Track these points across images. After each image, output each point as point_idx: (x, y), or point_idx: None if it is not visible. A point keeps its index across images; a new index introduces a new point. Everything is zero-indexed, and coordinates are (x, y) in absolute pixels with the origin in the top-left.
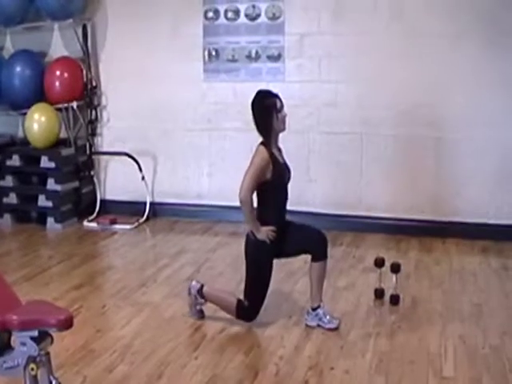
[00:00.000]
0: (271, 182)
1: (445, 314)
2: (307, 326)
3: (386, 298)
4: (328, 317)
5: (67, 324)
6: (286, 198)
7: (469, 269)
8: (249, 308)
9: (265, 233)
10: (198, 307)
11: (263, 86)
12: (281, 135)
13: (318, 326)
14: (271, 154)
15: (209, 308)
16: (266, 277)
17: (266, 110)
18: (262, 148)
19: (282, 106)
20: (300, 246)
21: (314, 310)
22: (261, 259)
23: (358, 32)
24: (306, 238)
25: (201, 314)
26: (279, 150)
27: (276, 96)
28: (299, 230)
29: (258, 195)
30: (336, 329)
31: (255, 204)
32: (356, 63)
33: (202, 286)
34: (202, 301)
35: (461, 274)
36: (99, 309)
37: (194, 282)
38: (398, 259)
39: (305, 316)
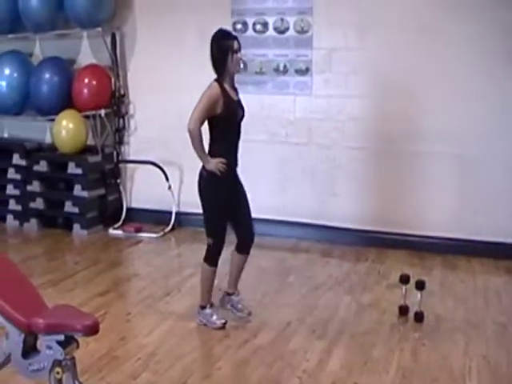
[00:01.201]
0: (222, 116)
1: (468, 333)
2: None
3: (411, 314)
4: (240, 305)
5: (93, 329)
6: (238, 137)
7: (493, 288)
8: (213, 245)
9: (214, 164)
10: (228, 305)
11: (290, 100)
12: (306, 148)
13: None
14: (224, 90)
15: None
16: (222, 208)
17: (223, 50)
18: (215, 83)
19: (239, 47)
20: (234, 221)
21: (228, 295)
22: (213, 191)
23: (384, 47)
24: (244, 221)
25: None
26: (235, 89)
27: (235, 38)
28: (244, 207)
29: (210, 131)
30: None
31: (209, 141)
32: (383, 78)
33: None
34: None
35: (485, 293)
36: (124, 316)
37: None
38: (422, 276)
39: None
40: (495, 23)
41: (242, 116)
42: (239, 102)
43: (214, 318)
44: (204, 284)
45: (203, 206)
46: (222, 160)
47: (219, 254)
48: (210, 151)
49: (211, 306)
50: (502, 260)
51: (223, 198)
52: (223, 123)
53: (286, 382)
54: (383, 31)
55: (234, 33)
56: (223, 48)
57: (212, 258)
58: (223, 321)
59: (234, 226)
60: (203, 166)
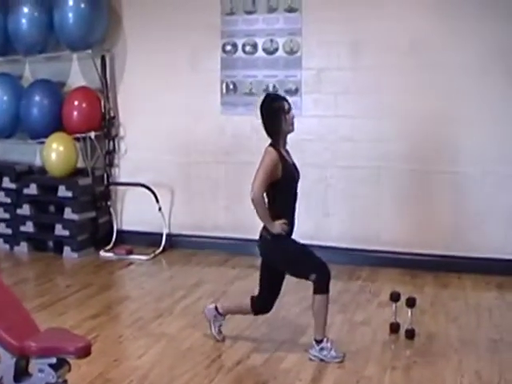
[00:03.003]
0: (282, 181)
1: (460, 349)
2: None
3: (402, 332)
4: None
5: (85, 352)
6: (295, 198)
7: (484, 304)
8: (317, 277)
9: (279, 226)
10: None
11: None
12: (300, 173)
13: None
14: (280, 154)
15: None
16: (299, 248)
17: (274, 113)
18: (271, 149)
19: (289, 107)
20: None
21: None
22: (284, 245)
23: (375, 67)
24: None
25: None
26: (287, 151)
27: (284, 99)
28: None
29: (268, 195)
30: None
31: (267, 205)
32: (373, 98)
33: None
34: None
35: (476, 309)
36: (116, 338)
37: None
38: (413, 294)
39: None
40: (493, 37)
41: (299, 177)
42: (294, 164)
43: (333, 352)
44: (319, 316)
45: (283, 263)
46: (284, 221)
47: (329, 279)
48: (270, 213)
49: (328, 339)
50: (493, 276)
51: (295, 243)
52: (282, 187)
53: None
54: (374, 51)
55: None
56: (275, 111)
57: (322, 287)
58: (342, 354)
59: None
60: (265, 231)
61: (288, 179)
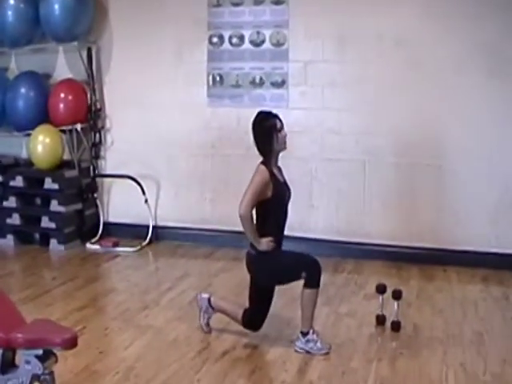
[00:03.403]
0: (271, 200)
1: (446, 342)
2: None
3: (388, 324)
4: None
5: (72, 343)
6: (285, 217)
7: (470, 297)
8: (308, 273)
9: (265, 243)
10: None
11: None
12: (283, 161)
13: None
14: (271, 173)
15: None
16: (287, 254)
17: (266, 131)
18: (263, 167)
19: (281, 126)
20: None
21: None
22: (271, 260)
23: (361, 60)
24: None
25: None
26: (279, 168)
27: (276, 116)
28: None
29: (257, 212)
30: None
31: (255, 221)
32: (359, 91)
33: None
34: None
35: (462, 302)
36: (102, 330)
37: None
38: (399, 286)
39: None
40: (477, 35)
41: (289, 197)
42: (285, 183)
43: (319, 344)
44: (307, 309)
45: (272, 278)
46: (270, 238)
47: (319, 275)
48: (258, 231)
49: (314, 331)
50: (478, 269)
51: (281, 252)
52: (272, 206)
53: None
54: (361, 43)
55: (273, 111)
56: (266, 129)
57: (312, 282)
58: (328, 346)
59: None
60: (251, 248)
61: (278, 198)
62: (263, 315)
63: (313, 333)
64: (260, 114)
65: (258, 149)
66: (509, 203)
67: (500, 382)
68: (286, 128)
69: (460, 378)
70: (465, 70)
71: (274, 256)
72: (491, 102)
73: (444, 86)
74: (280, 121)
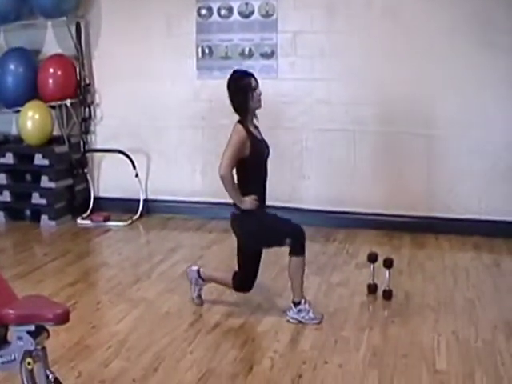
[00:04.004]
0: (250, 158)
1: (437, 309)
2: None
3: (379, 293)
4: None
5: (64, 318)
6: (265, 174)
7: (461, 264)
8: (293, 239)
9: (248, 202)
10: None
11: None
12: (273, 132)
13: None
14: (248, 132)
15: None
16: (271, 217)
17: (241, 90)
18: (240, 126)
19: (256, 84)
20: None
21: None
22: (255, 219)
23: (350, 30)
24: None
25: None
26: (256, 127)
27: (251, 75)
28: None
29: (238, 172)
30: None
31: (236, 181)
32: (349, 61)
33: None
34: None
35: (453, 269)
36: (94, 305)
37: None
38: (390, 255)
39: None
40: (466, 4)
41: (268, 154)
42: (263, 140)
43: (311, 314)
44: (295, 277)
45: (256, 238)
46: (254, 196)
47: (303, 241)
48: (240, 191)
49: (305, 301)
50: (469, 236)
51: (266, 214)
52: (251, 164)
53: (257, 364)
54: (350, 13)
55: (248, 70)
56: (241, 88)
57: (297, 249)
58: (320, 316)
59: None
60: (235, 208)
61: (257, 156)
62: (253, 276)
63: (305, 302)
64: (235, 73)
65: (234, 107)
66: (499, 171)
67: (491, 349)
68: (274, 98)
69: (452, 345)
70: (455, 39)
71: (258, 216)
72: (483, 70)
73: (434, 53)
74: (255, 79)
